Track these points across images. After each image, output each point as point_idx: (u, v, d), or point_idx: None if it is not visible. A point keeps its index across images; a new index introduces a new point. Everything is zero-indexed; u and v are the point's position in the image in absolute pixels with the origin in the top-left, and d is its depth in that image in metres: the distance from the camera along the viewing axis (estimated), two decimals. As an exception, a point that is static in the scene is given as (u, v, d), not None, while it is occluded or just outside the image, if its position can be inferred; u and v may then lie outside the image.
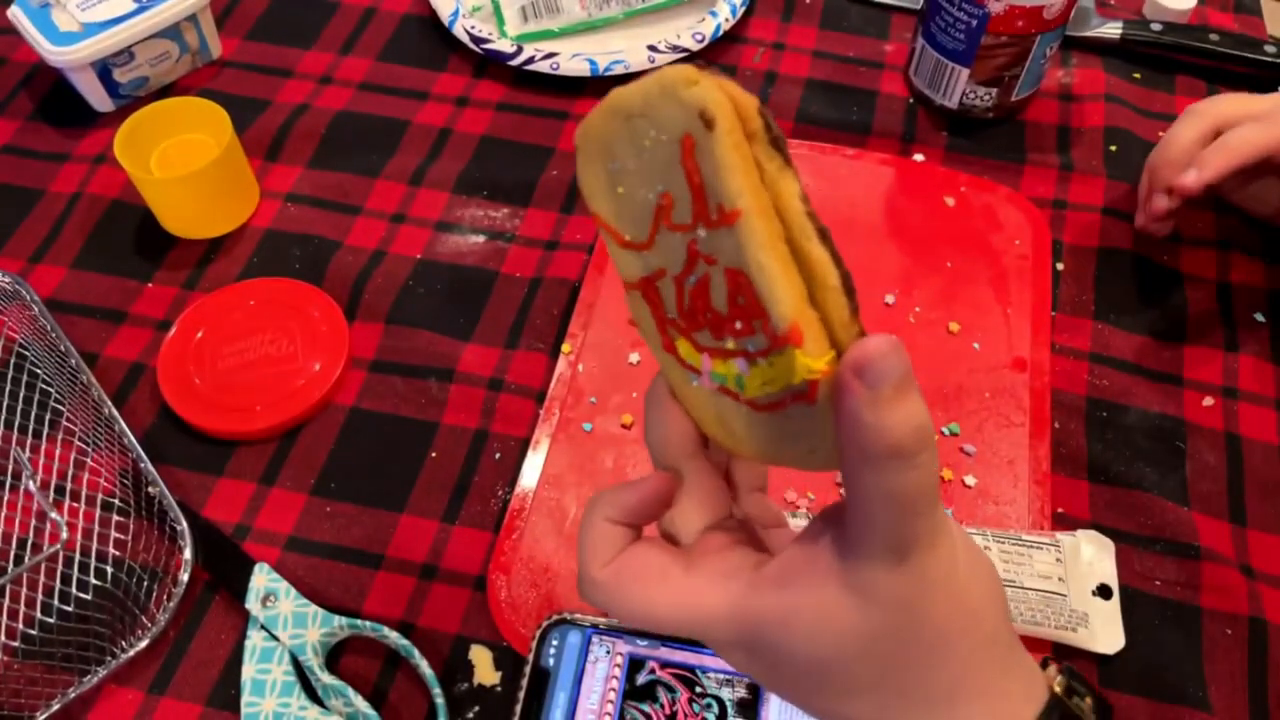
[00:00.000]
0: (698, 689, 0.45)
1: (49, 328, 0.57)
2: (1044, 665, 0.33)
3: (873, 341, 0.26)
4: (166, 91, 0.72)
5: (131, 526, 0.52)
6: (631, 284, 0.33)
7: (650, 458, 0.34)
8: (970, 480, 0.52)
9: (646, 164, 0.29)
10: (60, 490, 0.53)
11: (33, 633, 0.49)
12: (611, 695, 0.45)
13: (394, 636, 0.47)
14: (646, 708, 0.45)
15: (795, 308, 0.27)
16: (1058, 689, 0.32)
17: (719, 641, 0.32)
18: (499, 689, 0.47)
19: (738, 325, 0.29)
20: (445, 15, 0.73)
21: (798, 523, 0.49)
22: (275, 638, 0.48)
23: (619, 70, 0.69)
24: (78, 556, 0.51)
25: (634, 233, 0.31)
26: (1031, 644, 0.42)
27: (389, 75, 0.72)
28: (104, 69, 0.67)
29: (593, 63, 0.69)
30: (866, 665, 0.30)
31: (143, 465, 0.52)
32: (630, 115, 0.29)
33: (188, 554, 0.49)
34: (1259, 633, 0.48)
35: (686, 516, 0.34)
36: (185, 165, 0.62)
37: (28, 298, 0.59)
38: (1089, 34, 0.72)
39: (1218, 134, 0.56)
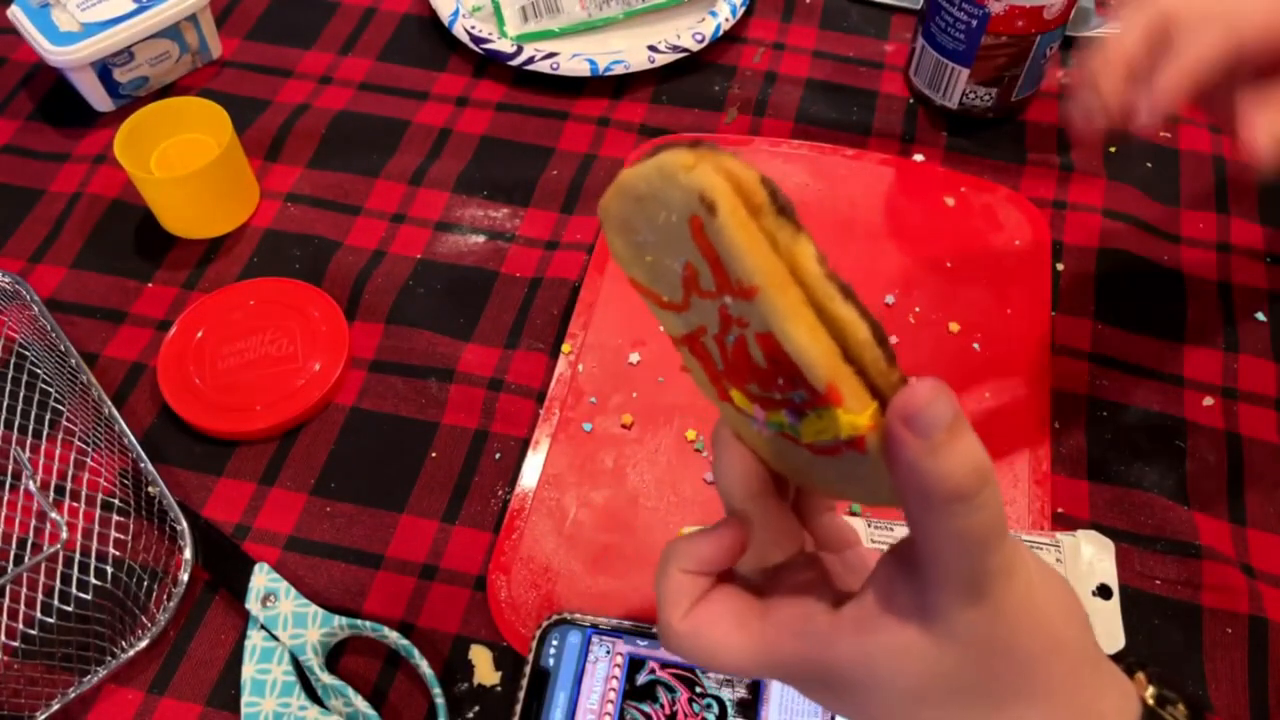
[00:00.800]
0: (698, 689, 0.45)
1: (49, 327, 0.57)
2: (1130, 672, 0.33)
3: (918, 389, 0.26)
4: (166, 91, 0.72)
5: (131, 526, 0.52)
6: (678, 340, 0.33)
7: (721, 499, 0.35)
8: (970, 480, 0.52)
9: (664, 239, 0.30)
10: (60, 490, 0.53)
11: (33, 633, 0.49)
12: (611, 695, 0.45)
13: (394, 636, 0.47)
14: (646, 708, 0.45)
15: (830, 369, 0.27)
16: (1150, 700, 0.32)
17: (798, 682, 0.33)
18: (499, 689, 0.47)
19: (780, 381, 0.29)
20: (445, 15, 0.73)
21: (870, 534, 0.49)
22: (275, 638, 0.48)
23: (619, 70, 0.69)
24: (78, 556, 0.51)
25: (670, 295, 0.32)
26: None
27: (389, 75, 0.72)
28: (104, 69, 0.67)
29: (593, 63, 0.69)
30: (953, 701, 0.30)
31: (143, 465, 0.52)
32: (640, 197, 0.29)
33: (188, 554, 0.49)
34: (1259, 632, 0.48)
35: (761, 556, 0.34)
36: (185, 165, 0.62)
37: (28, 297, 0.59)
38: (1089, 34, 0.72)
39: (1166, 35, 0.46)
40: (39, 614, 0.49)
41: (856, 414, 0.27)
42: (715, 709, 0.45)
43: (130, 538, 0.52)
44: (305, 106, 0.70)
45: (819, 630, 0.31)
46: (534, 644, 0.46)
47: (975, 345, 0.57)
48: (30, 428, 0.55)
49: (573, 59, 0.70)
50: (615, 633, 0.47)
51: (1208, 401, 0.55)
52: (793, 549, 0.35)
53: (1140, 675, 0.33)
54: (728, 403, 0.33)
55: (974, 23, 0.62)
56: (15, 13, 0.66)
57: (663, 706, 0.45)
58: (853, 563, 0.34)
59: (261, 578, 0.49)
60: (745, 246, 0.27)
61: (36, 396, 0.56)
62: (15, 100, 0.71)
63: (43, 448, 0.55)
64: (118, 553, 0.51)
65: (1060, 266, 0.61)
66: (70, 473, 0.54)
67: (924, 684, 0.30)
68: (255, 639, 0.48)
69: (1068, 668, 0.31)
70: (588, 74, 0.70)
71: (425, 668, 0.46)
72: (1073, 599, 0.31)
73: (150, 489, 0.52)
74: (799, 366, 0.27)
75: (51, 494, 0.53)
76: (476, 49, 0.71)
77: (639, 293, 0.33)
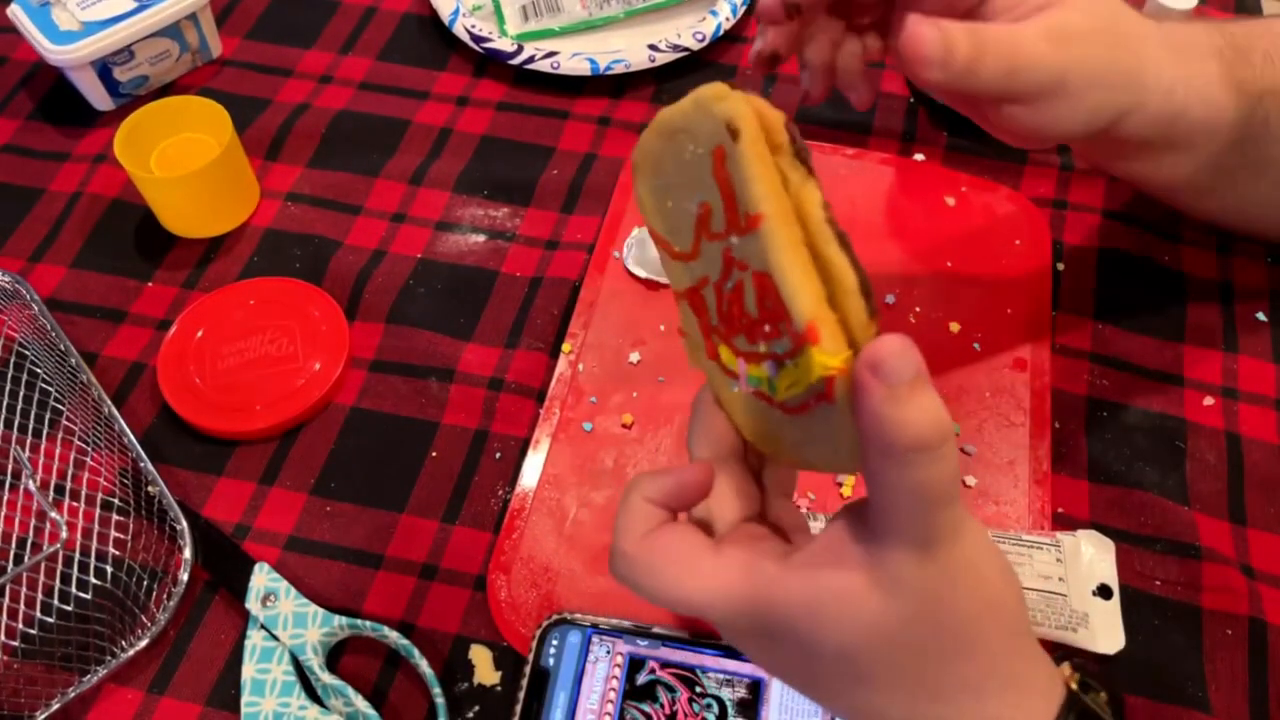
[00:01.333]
0: (698, 689, 0.45)
1: (49, 327, 0.57)
2: (1056, 662, 0.34)
3: (886, 340, 0.27)
4: (167, 90, 0.72)
5: (131, 526, 0.52)
6: (680, 293, 0.35)
7: (689, 458, 0.36)
8: (970, 480, 0.52)
9: (687, 177, 0.31)
10: (60, 490, 0.53)
11: (33, 632, 0.49)
12: (611, 695, 0.45)
13: (394, 636, 0.47)
14: (646, 708, 0.45)
15: (813, 307, 0.29)
16: (1073, 684, 0.33)
17: (740, 628, 0.33)
18: (499, 689, 0.47)
19: (766, 329, 0.31)
20: (445, 14, 0.73)
21: (816, 526, 0.49)
22: (275, 637, 0.48)
23: (619, 69, 0.69)
24: (78, 556, 0.51)
25: (681, 244, 0.33)
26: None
27: (389, 74, 0.72)
28: (104, 68, 0.67)
29: (593, 62, 0.69)
30: (894, 656, 0.30)
31: (143, 465, 0.52)
32: (674, 131, 0.31)
33: (188, 553, 0.49)
34: (1259, 633, 0.48)
35: (721, 507, 0.35)
36: (185, 164, 0.62)
37: (28, 297, 0.59)
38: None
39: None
40: (39, 614, 0.49)
41: (830, 356, 0.28)
42: (715, 709, 0.45)
43: (130, 537, 0.51)
44: (305, 106, 0.70)
45: (768, 570, 0.32)
46: (534, 644, 0.46)
47: (975, 345, 0.57)
48: (30, 427, 0.55)
49: (573, 58, 0.70)
50: (615, 633, 0.47)
51: (1208, 401, 0.55)
52: (753, 510, 0.36)
53: (1065, 665, 0.34)
54: (714, 361, 0.34)
55: (974, 22, 0.62)
56: (15, 11, 0.66)
57: (663, 706, 0.45)
58: (801, 541, 0.35)
59: (261, 577, 0.49)
60: (758, 174, 0.29)
61: (36, 396, 0.56)
62: (15, 99, 0.71)
63: (43, 447, 0.55)
64: (117, 552, 0.51)
65: (1060, 266, 0.61)
66: (70, 472, 0.54)
67: (867, 636, 0.30)
68: (255, 639, 0.48)
69: (1006, 632, 0.31)
70: (588, 73, 0.69)
71: (425, 668, 0.46)
72: (1013, 576, 0.32)
73: (150, 488, 0.52)
74: (785, 305, 0.29)
75: (51, 493, 0.53)
76: (477, 48, 0.71)
77: (655, 243, 0.35)
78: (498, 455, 0.54)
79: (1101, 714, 0.32)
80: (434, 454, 0.54)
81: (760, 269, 0.30)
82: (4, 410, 0.56)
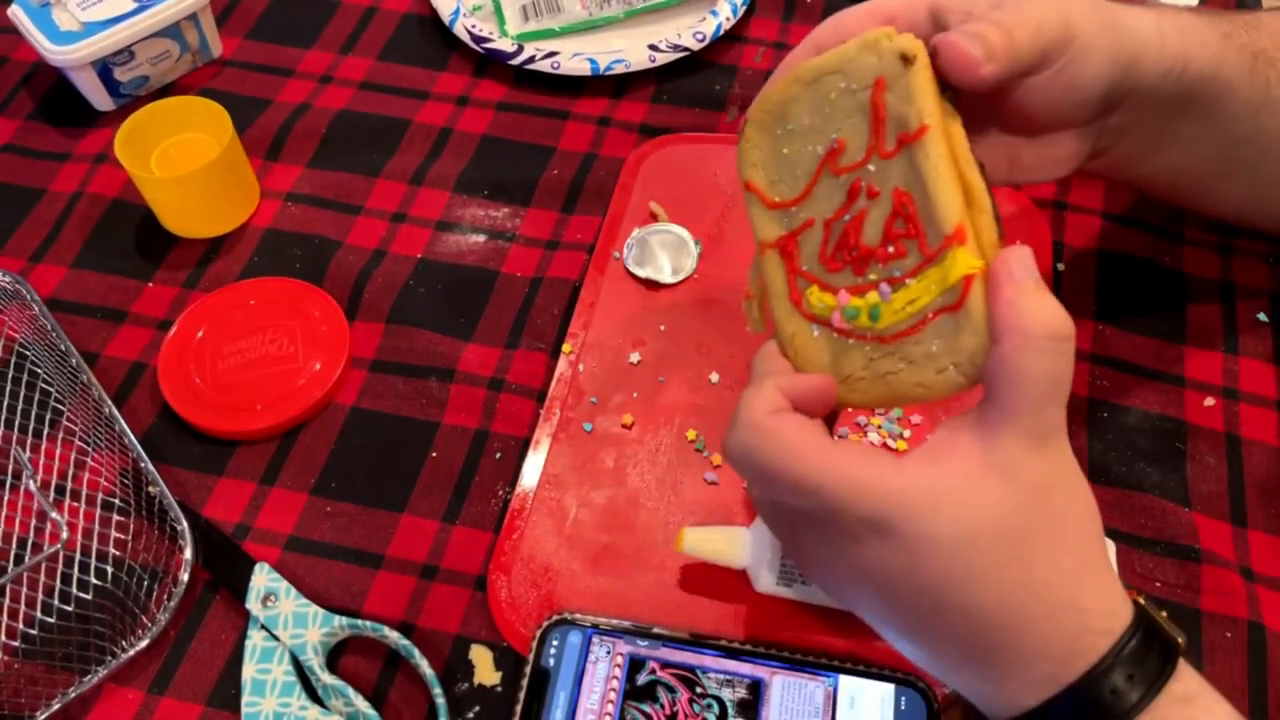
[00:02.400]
0: (698, 689, 0.45)
1: (49, 327, 0.57)
2: None
3: (1020, 246, 0.32)
4: (167, 90, 0.72)
5: (131, 526, 0.52)
6: (769, 244, 0.38)
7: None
8: (971, 481, 0.52)
9: (824, 117, 0.36)
10: (60, 490, 0.53)
11: (33, 633, 0.49)
12: (612, 695, 0.45)
13: (394, 636, 0.47)
14: (647, 708, 0.45)
15: (961, 213, 0.33)
16: (1140, 600, 0.35)
17: (853, 517, 0.33)
18: (499, 689, 0.47)
19: (890, 249, 0.35)
20: (446, 14, 0.73)
21: None
22: (275, 637, 0.48)
23: (619, 70, 0.69)
24: (78, 556, 0.51)
25: (785, 191, 0.37)
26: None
27: (389, 74, 0.72)
28: (104, 68, 0.67)
29: (593, 62, 0.69)
30: (1005, 544, 0.32)
31: (143, 465, 0.52)
32: (820, 75, 0.35)
33: (188, 554, 0.49)
34: (1258, 637, 0.47)
35: None
36: (186, 165, 0.62)
37: (28, 297, 0.59)
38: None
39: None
40: (39, 614, 0.49)
41: (974, 257, 0.33)
42: (715, 709, 0.45)
43: (130, 537, 0.52)
44: (306, 106, 0.70)
45: (887, 461, 0.33)
46: (534, 644, 0.46)
47: (976, 346, 0.57)
48: (30, 427, 0.55)
49: (573, 58, 0.70)
50: (616, 633, 0.47)
51: (1209, 402, 0.55)
52: None
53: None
54: (797, 308, 0.38)
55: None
56: (15, 12, 0.66)
57: (663, 707, 0.45)
58: None
59: (262, 577, 0.49)
60: (926, 91, 0.33)
61: (37, 396, 0.56)
62: (15, 99, 0.71)
63: (43, 447, 0.55)
64: (118, 552, 0.51)
65: (1061, 267, 0.61)
66: (70, 472, 0.54)
67: (985, 521, 0.32)
68: (255, 639, 0.48)
69: (1094, 534, 0.34)
70: (588, 73, 0.69)
71: (425, 668, 0.46)
72: (1088, 487, 0.35)
73: (150, 489, 0.52)
74: (929, 214, 0.33)
75: (52, 494, 0.53)
76: (477, 48, 0.71)
77: (749, 196, 0.38)
78: (498, 455, 0.54)
79: (1167, 626, 0.34)
80: (434, 454, 0.54)
81: (902, 186, 0.34)
82: (4, 410, 0.56)
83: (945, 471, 0.33)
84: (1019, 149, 0.46)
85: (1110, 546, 0.49)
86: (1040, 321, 0.31)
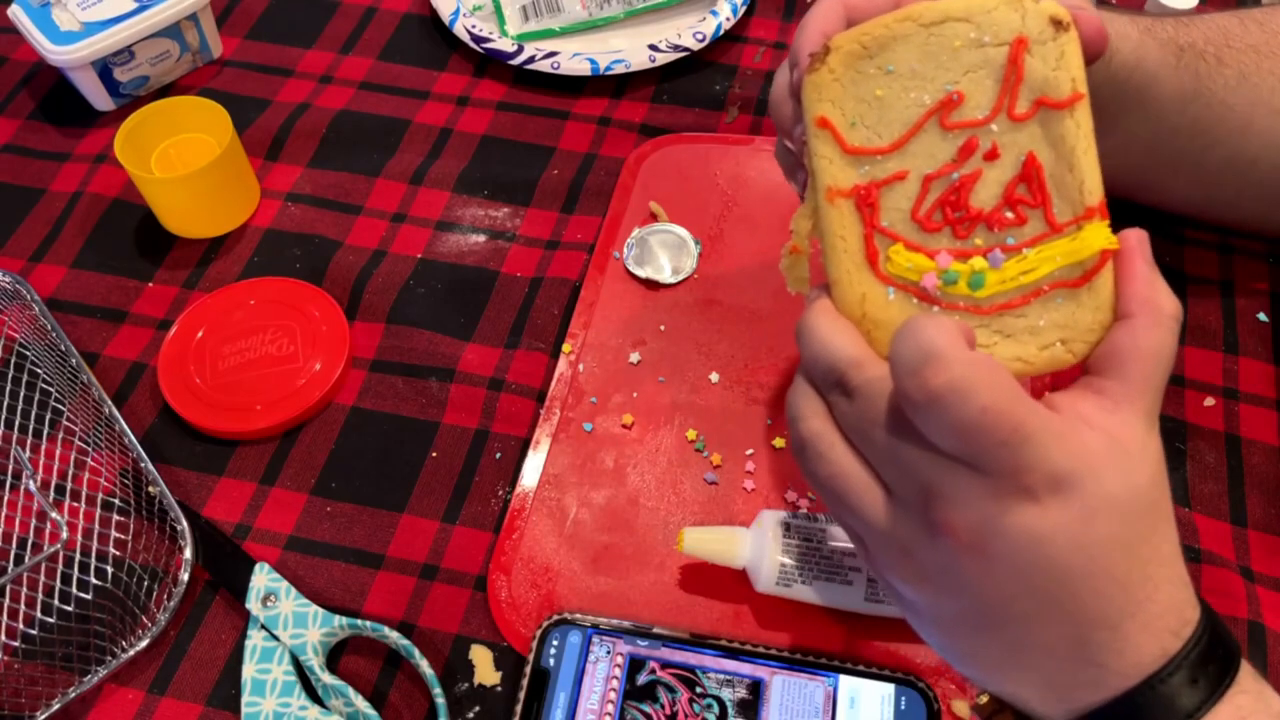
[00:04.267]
0: (698, 689, 0.45)
1: (49, 327, 0.57)
2: None
3: (1140, 230, 0.33)
4: (167, 91, 0.72)
5: (132, 526, 0.52)
6: (842, 191, 0.34)
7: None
8: (971, 481, 0.52)
9: (939, 65, 0.33)
10: (60, 490, 0.53)
11: (33, 633, 0.49)
12: (612, 695, 0.45)
13: (394, 636, 0.47)
14: (646, 708, 0.45)
15: (1101, 189, 0.33)
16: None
17: (1048, 470, 0.30)
18: (499, 689, 0.47)
19: (1007, 215, 0.33)
20: (446, 14, 0.73)
21: (815, 527, 0.49)
22: (275, 637, 0.48)
23: (619, 70, 0.69)
24: (78, 556, 0.51)
25: (870, 137, 0.34)
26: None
27: (389, 74, 0.72)
28: (104, 68, 0.67)
29: (593, 62, 0.69)
30: (1149, 514, 0.32)
31: (143, 465, 0.52)
32: (945, 20, 0.33)
33: (188, 554, 0.49)
34: (1258, 637, 0.47)
35: None
36: (186, 165, 0.62)
37: (28, 297, 0.59)
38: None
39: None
40: (39, 614, 0.49)
41: (1110, 234, 0.33)
42: (715, 709, 0.45)
43: (130, 537, 0.52)
44: (306, 106, 0.70)
45: (1059, 415, 0.32)
46: (534, 644, 0.46)
47: (976, 346, 0.57)
48: (30, 427, 0.55)
49: (573, 58, 0.70)
50: (615, 633, 0.47)
51: (1209, 403, 0.55)
52: None
53: None
54: (871, 269, 0.34)
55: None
56: (16, 12, 0.66)
57: (663, 707, 0.45)
58: None
59: (262, 577, 0.49)
60: (1078, 59, 0.33)
61: (37, 396, 0.56)
62: (15, 100, 0.71)
63: (43, 447, 0.55)
64: (118, 552, 0.51)
65: (1061, 267, 0.61)
66: (70, 472, 0.54)
67: (1139, 488, 0.32)
68: (255, 639, 0.48)
69: (1172, 505, 0.34)
70: (588, 73, 0.69)
71: (425, 668, 0.46)
72: None
73: (150, 489, 0.52)
74: (1065, 184, 0.33)
75: (52, 494, 0.53)
76: (477, 48, 0.71)
77: (820, 134, 0.34)
78: (498, 455, 0.54)
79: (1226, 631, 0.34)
80: (434, 454, 0.54)
81: (1034, 149, 0.33)
82: (4, 410, 0.56)
83: (1105, 434, 0.31)
84: None
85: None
86: (1172, 301, 0.32)
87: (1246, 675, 0.33)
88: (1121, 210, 0.62)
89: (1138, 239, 0.33)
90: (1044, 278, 0.33)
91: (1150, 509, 0.32)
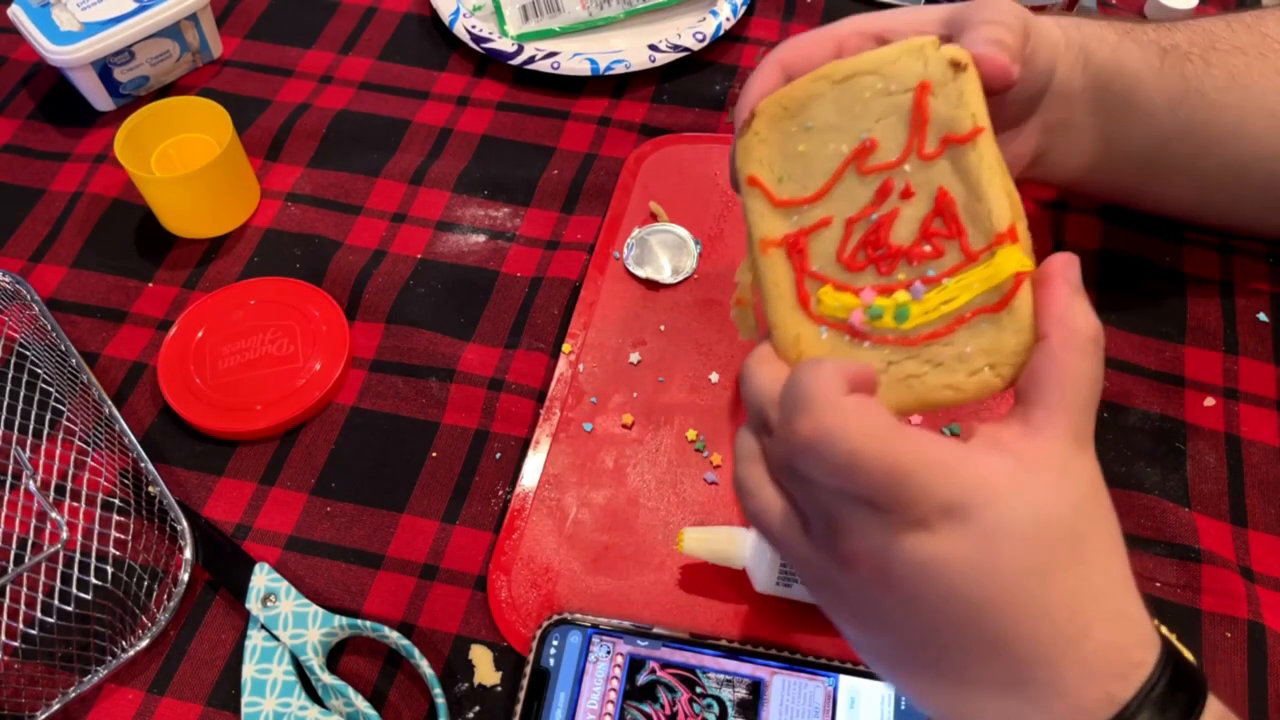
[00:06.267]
0: (698, 689, 0.45)
1: (49, 327, 0.57)
2: None
3: (1066, 253, 0.33)
4: (167, 91, 0.72)
5: (131, 526, 0.52)
6: (773, 241, 0.37)
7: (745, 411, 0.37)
8: (971, 481, 0.52)
9: (853, 116, 0.35)
10: (60, 490, 0.53)
11: (33, 633, 0.49)
12: (612, 695, 0.45)
13: (394, 636, 0.47)
14: (647, 708, 0.45)
15: (1011, 212, 0.34)
16: (1162, 629, 0.34)
17: (937, 502, 0.30)
18: (499, 689, 0.47)
19: (925, 248, 0.34)
20: (446, 14, 0.73)
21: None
22: (275, 637, 0.48)
23: (620, 70, 0.69)
24: (78, 556, 0.51)
25: (796, 189, 0.36)
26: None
27: (389, 74, 0.72)
28: (104, 68, 0.67)
29: (593, 62, 0.69)
30: (1068, 542, 0.31)
31: (143, 465, 0.52)
32: (854, 75, 0.35)
33: (188, 554, 0.49)
34: (1258, 637, 0.47)
35: None
36: (186, 165, 0.62)
37: (28, 297, 0.59)
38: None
39: None
40: (39, 614, 0.49)
41: (1025, 256, 0.33)
42: (715, 709, 0.45)
43: (130, 537, 0.52)
44: (306, 106, 0.70)
45: (960, 446, 0.32)
46: (534, 644, 0.46)
47: (976, 346, 0.57)
48: (30, 427, 0.55)
49: (573, 58, 0.70)
50: (615, 633, 0.47)
51: (1209, 403, 0.55)
52: None
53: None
54: (804, 311, 0.36)
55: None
56: (15, 12, 0.66)
57: (663, 707, 0.45)
58: None
59: (262, 577, 0.49)
60: (978, 96, 0.34)
61: (37, 396, 0.56)
62: (15, 100, 0.71)
63: (43, 447, 0.55)
64: (118, 552, 0.51)
65: (1061, 267, 0.61)
66: (70, 472, 0.54)
67: (1051, 514, 0.31)
68: (255, 639, 0.48)
69: (1118, 535, 0.33)
70: (588, 73, 0.69)
71: (425, 668, 0.46)
72: None
73: (150, 489, 0.52)
74: (976, 214, 0.34)
75: (52, 494, 0.53)
76: (477, 48, 0.71)
77: (751, 192, 0.37)
78: (498, 455, 0.54)
79: (1185, 655, 0.33)
80: (434, 454, 0.54)
81: (945, 185, 0.34)
82: (4, 410, 0.56)
83: (1016, 460, 0.31)
84: None
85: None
86: (1090, 325, 0.32)
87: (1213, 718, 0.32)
88: (1123, 217, 0.63)
89: (1063, 263, 0.33)
90: (965, 305, 0.34)
91: (1069, 537, 0.31)
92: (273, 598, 0.48)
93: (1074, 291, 0.32)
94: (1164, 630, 0.33)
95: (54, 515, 0.51)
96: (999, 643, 0.31)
